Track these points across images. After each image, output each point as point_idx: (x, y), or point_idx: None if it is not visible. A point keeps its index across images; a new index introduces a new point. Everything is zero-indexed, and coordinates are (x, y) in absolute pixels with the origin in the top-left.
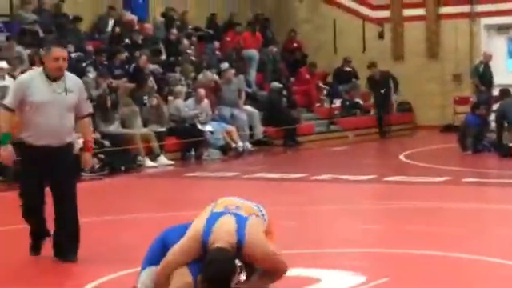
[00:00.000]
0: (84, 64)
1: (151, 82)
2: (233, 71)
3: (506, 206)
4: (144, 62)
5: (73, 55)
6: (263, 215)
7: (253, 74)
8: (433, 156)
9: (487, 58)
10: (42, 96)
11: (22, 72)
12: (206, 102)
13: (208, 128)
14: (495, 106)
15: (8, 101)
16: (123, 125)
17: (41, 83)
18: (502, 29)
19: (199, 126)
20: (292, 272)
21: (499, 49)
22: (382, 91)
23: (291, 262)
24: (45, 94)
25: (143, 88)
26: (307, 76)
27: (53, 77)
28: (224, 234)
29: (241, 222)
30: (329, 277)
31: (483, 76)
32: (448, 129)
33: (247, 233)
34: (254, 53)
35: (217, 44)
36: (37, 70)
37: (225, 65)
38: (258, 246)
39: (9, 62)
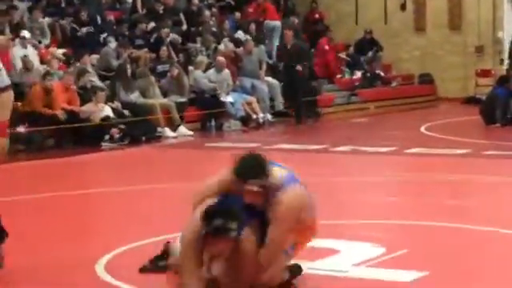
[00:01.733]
0: (105, 34)
1: (171, 52)
2: (252, 42)
3: None
4: (166, 33)
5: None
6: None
7: (275, 45)
8: (454, 128)
9: None
10: None
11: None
12: (226, 71)
13: (229, 99)
14: None
15: None
16: (143, 95)
17: None
18: None
19: (220, 97)
20: (311, 242)
21: None
22: None
23: None
24: None
25: (163, 58)
26: (326, 47)
27: None
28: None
29: (291, 178)
30: (348, 248)
31: None
32: (469, 101)
33: (288, 190)
34: (276, 23)
35: (238, 15)
36: None
37: (241, 35)
38: (282, 213)
39: (31, 31)
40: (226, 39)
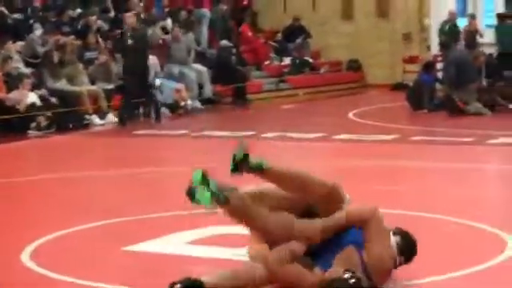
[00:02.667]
0: (31, 21)
1: (99, 39)
2: (178, 29)
3: (452, 165)
4: (93, 20)
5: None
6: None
7: (204, 32)
8: (381, 114)
9: (452, 16)
10: None
11: None
12: (152, 58)
13: (157, 82)
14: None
15: None
16: (71, 82)
17: None
18: None
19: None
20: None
21: (448, 7)
22: None
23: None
24: None
25: (90, 45)
26: (249, 34)
27: None
28: None
29: None
30: None
31: (448, 35)
32: (397, 87)
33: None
34: (205, 11)
35: (165, 1)
36: None
37: (167, 22)
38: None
39: None
40: (153, 27)
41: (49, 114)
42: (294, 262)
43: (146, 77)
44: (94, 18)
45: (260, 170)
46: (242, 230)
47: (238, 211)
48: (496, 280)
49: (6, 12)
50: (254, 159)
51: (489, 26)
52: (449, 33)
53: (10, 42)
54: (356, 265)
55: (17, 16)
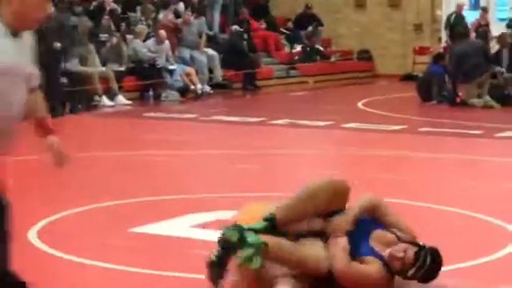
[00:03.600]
0: None
1: (109, 21)
2: (190, 13)
3: (459, 156)
4: (107, 2)
5: None
6: None
7: (216, 17)
8: (390, 104)
9: (459, 8)
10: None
11: None
12: (166, 43)
13: (172, 67)
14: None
15: None
16: (82, 63)
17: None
18: None
19: (159, 65)
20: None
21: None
22: None
23: (241, 205)
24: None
25: (102, 27)
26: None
27: (17, 29)
28: None
29: None
30: None
31: (454, 27)
32: (407, 78)
33: None
34: None
35: None
36: None
37: (180, 6)
38: None
39: None
40: (165, 10)
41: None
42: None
43: (56, 66)
44: (109, 0)
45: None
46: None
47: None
48: (502, 271)
49: None
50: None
51: (501, 20)
52: (454, 25)
53: None
54: (393, 240)
55: None
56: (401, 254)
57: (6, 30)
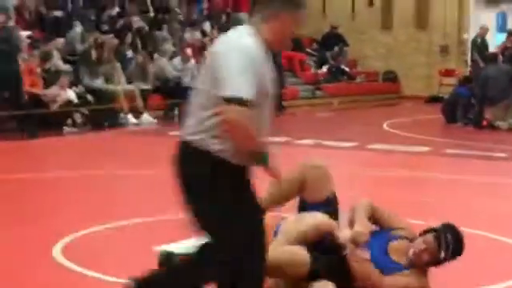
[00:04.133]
0: (72, 18)
1: (131, 38)
2: (216, 32)
3: (484, 178)
4: (134, 21)
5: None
6: None
7: None
8: (416, 126)
9: (483, 32)
10: (269, 82)
11: None
12: (192, 62)
13: None
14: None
15: (241, 88)
16: (108, 81)
17: (264, 59)
18: (490, 2)
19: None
20: None
21: (487, 22)
22: None
23: None
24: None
25: (125, 44)
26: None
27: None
28: None
29: None
30: None
31: (479, 50)
32: (433, 100)
33: None
34: (243, 15)
35: (205, 4)
36: (252, 34)
37: (206, 25)
38: None
39: None
40: (191, 29)
41: (85, 111)
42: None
43: (18, 83)
44: (136, 19)
45: None
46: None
47: None
48: None
49: (44, 12)
50: None
51: None
52: (477, 48)
53: (53, 39)
54: (407, 244)
55: (57, 13)
56: (423, 246)
57: (265, 51)
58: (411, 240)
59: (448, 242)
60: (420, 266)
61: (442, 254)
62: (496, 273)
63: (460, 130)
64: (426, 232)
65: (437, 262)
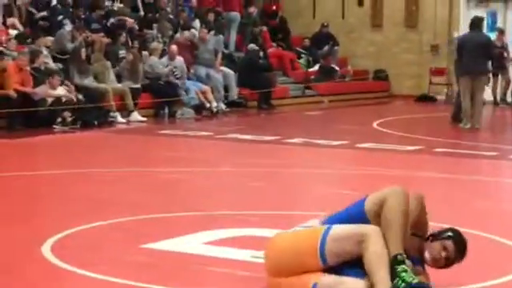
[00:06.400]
0: (61, 16)
1: (125, 37)
2: (206, 31)
3: (474, 177)
4: (130, 23)
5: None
6: None
7: (233, 36)
8: (406, 125)
9: None
10: None
11: None
12: (179, 58)
13: (176, 80)
14: None
15: None
16: (98, 80)
17: None
18: (481, 1)
19: (174, 81)
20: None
21: None
22: None
23: (254, 223)
24: None
25: (118, 43)
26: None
27: None
28: None
29: None
30: None
31: None
32: (423, 99)
33: None
34: (235, 15)
35: (194, 2)
36: None
37: (196, 23)
38: None
39: None
40: (181, 30)
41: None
42: None
43: None
44: (131, 20)
45: None
46: (261, 232)
47: None
48: None
49: (34, 11)
50: None
51: None
52: None
53: (42, 37)
54: (419, 241)
55: (46, 13)
56: (444, 254)
57: None
58: (421, 236)
59: (464, 249)
60: (433, 267)
61: (459, 260)
62: (487, 271)
63: (451, 129)
64: (440, 236)
65: (451, 264)
